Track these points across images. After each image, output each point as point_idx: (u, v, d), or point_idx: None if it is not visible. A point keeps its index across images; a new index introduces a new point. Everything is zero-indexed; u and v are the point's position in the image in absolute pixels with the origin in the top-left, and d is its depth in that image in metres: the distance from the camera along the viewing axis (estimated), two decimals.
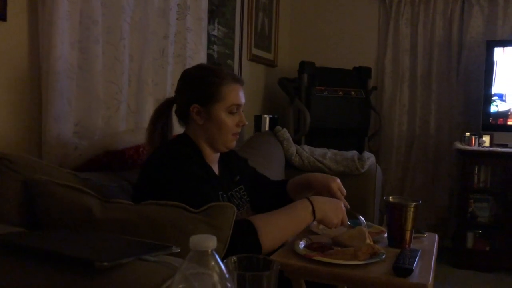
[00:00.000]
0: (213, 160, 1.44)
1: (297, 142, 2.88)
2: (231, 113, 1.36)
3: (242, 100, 1.40)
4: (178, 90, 1.42)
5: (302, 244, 1.21)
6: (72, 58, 1.55)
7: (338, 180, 1.47)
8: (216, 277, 0.53)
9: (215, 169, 1.45)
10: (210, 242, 0.53)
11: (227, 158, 1.53)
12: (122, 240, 0.89)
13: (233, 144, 1.41)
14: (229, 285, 0.53)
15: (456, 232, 3.16)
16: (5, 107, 1.44)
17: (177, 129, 1.47)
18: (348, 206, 1.41)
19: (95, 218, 1.00)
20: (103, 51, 1.68)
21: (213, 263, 0.53)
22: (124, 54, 1.76)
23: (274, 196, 1.59)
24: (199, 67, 1.46)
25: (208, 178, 1.32)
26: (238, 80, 1.40)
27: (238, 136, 1.42)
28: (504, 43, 3.16)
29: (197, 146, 1.39)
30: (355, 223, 1.43)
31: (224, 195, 1.38)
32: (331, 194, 1.43)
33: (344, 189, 1.46)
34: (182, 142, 1.38)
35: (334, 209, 1.30)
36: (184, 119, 1.42)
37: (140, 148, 1.58)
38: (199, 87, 1.36)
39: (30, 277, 0.79)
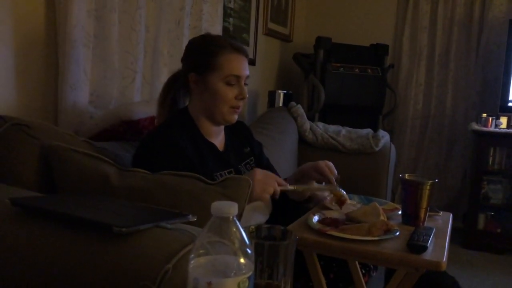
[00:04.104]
0: (214, 134, 1.40)
1: (311, 118, 2.85)
2: (229, 84, 1.30)
3: (244, 71, 1.32)
4: (181, 60, 1.40)
5: (315, 219, 1.21)
6: (88, 26, 1.54)
7: (328, 162, 1.39)
8: (236, 244, 0.53)
9: (219, 143, 1.41)
10: (232, 208, 0.53)
11: (237, 129, 1.49)
12: (140, 207, 0.90)
13: (232, 117, 1.35)
14: (250, 252, 0.53)
15: (467, 213, 3.15)
16: (22, 74, 1.44)
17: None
18: (334, 183, 1.35)
19: (112, 185, 1.01)
20: (119, 20, 1.67)
21: (234, 229, 0.53)
22: (140, 24, 1.75)
23: None
24: (202, 35, 1.42)
25: (197, 158, 1.29)
26: (239, 50, 1.33)
27: (239, 110, 1.35)
28: None
29: (193, 122, 1.36)
30: (369, 200, 1.43)
31: (225, 174, 1.33)
32: (319, 171, 1.37)
33: (334, 169, 1.38)
34: (178, 119, 1.36)
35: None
36: (187, 89, 1.39)
37: (155, 119, 1.57)
38: (197, 55, 1.33)
39: (48, 240, 0.81)
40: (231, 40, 1.37)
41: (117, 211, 0.84)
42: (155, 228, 0.78)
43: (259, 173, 1.22)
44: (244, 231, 0.57)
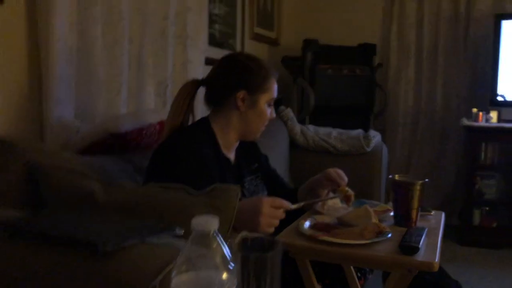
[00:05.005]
0: (231, 148, 1.45)
1: (301, 121, 2.85)
2: (269, 105, 1.40)
3: None
4: (220, 74, 1.41)
5: (307, 224, 1.20)
6: (71, 40, 1.53)
7: (337, 169, 1.43)
8: (218, 259, 0.51)
9: (231, 157, 1.45)
10: (212, 223, 0.52)
11: (246, 145, 1.52)
12: (125, 223, 0.88)
13: (259, 135, 1.45)
14: (232, 266, 0.52)
15: (462, 209, 3.15)
16: (6, 90, 1.42)
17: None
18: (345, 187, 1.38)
19: (97, 201, 0.99)
20: (103, 33, 1.65)
21: (215, 244, 0.52)
22: (124, 36, 1.73)
23: None
24: (244, 55, 1.50)
25: (217, 171, 1.31)
26: (276, 75, 1.45)
27: None
28: None
29: (214, 134, 1.39)
30: (361, 202, 1.42)
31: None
32: (329, 178, 1.40)
33: (344, 175, 1.42)
34: (200, 129, 1.38)
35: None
36: (217, 103, 1.41)
37: (143, 131, 1.56)
38: (251, 75, 1.37)
39: (33, 260, 0.79)
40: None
41: (102, 228, 0.82)
42: (141, 244, 0.77)
43: (266, 206, 1.14)
44: (228, 243, 0.55)
